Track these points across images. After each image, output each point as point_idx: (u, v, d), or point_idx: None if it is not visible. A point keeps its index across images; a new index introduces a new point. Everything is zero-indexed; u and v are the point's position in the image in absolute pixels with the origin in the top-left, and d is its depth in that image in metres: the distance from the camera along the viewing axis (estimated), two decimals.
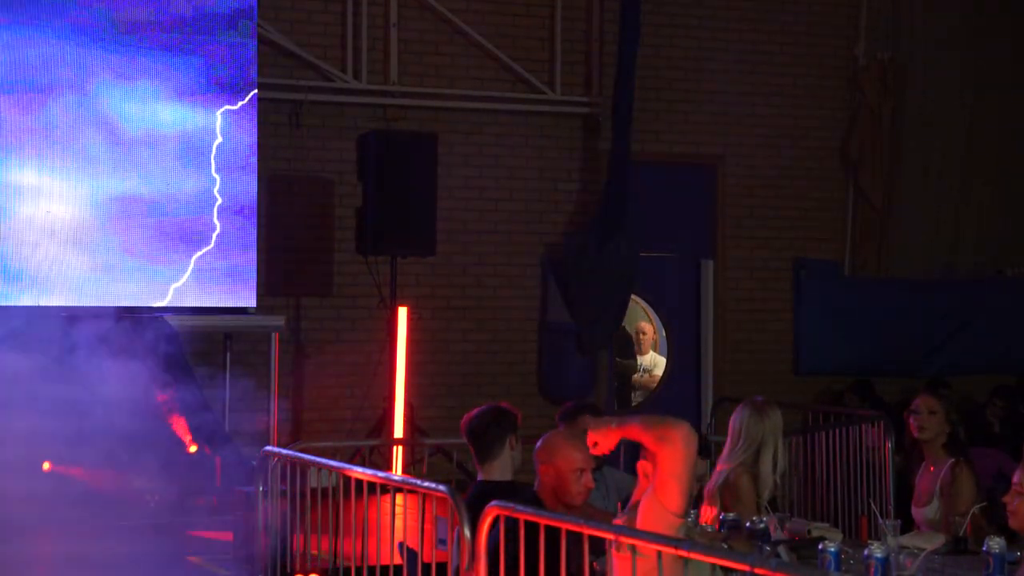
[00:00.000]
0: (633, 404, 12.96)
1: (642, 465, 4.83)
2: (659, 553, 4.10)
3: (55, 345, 8.92)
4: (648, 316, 13.04)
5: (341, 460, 6.63)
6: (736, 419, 6.65)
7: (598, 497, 6.70)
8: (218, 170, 10.09)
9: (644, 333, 13.05)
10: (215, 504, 9.13)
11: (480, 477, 6.21)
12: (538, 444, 5.80)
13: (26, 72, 9.61)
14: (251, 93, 10.22)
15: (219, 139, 10.09)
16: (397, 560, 6.00)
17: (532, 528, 4.59)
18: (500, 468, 6.17)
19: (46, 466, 9.19)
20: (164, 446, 9.31)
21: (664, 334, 12.99)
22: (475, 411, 6.30)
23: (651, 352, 13.10)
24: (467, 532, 4.85)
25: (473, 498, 5.74)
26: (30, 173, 9.63)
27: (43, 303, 9.57)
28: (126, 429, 9.05)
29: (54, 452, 9.09)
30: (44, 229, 9.65)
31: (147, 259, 9.89)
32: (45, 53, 9.63)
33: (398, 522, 6.08)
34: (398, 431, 10.57)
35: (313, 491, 6.50)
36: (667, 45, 12.50)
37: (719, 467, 6.64)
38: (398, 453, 10.10)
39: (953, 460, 6.85)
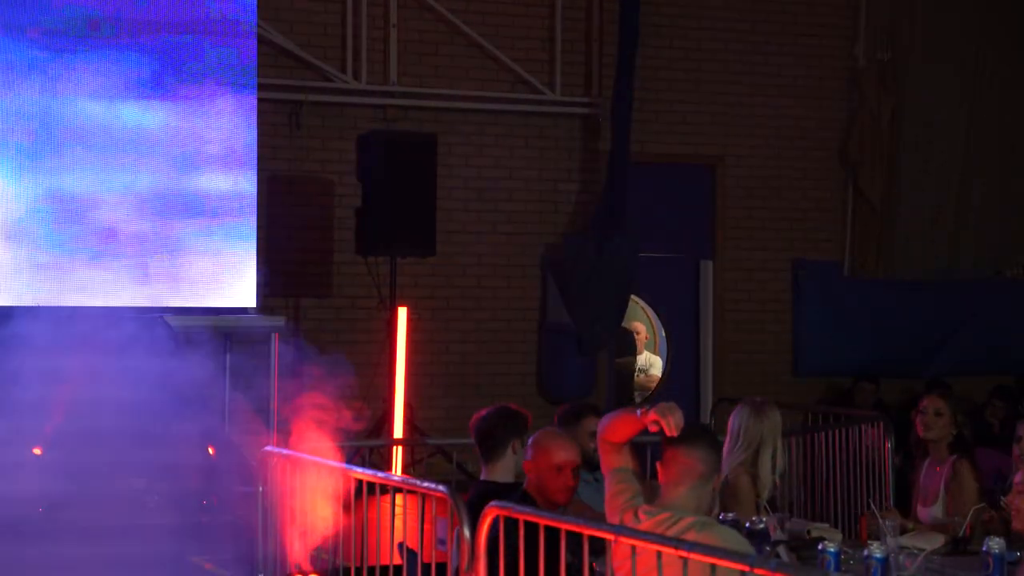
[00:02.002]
0: (634, 404, 12.98)
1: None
2: (658, 554, 4.10)
3: (60, 345, 8.91)
4: (646, 316, 13.05)
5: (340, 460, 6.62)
6: (735, 419, 6.65)
7: (598, 499, 6.69)
8: (218, 170, 10.08)
9: (638, 332, 13.06)
10: (215, 504, 9.12)
11: (483, 477, 6.21)
12: (528, 442, 5.82)
13: (23, 71, 9.61)
14: (251, 93, 10.21)
15: (219, 139, 10.08)
16: (397, 560, 6.00)
17: (532, 528, 4.59)
18: (502, 469, 6.16)
19: (37, 451, 9.18)
20: (164, 446, 9.30)
21: (664, 334, 12.99)
22: (484, 411, 6.31)
23: (646, 352, 13.10)
24: (467, 532, 4.85)
25: (474, 498, 5.75)
26: (31, 173, 9.63)
27: (44, 303, 9.57)
28: (127, 428, 9.05)
29: (56, 451, 9.09)
30: (44, 229, 9.65)
31: (147, 259, 9.88)
32: (38, 53, 9.63)
33: (397, 522, 6.08)
34: (398, 431, 10.57)
35: (312, 491, 6.49)
36: (667, 46, 12.51)
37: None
38: (398, 453, 10.10)
39: (955, 457, 6.87)
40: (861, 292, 13.12)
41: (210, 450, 9.56)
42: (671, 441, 4.99)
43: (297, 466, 6.46)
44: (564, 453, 5.68)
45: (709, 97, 12.65)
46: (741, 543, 4.84)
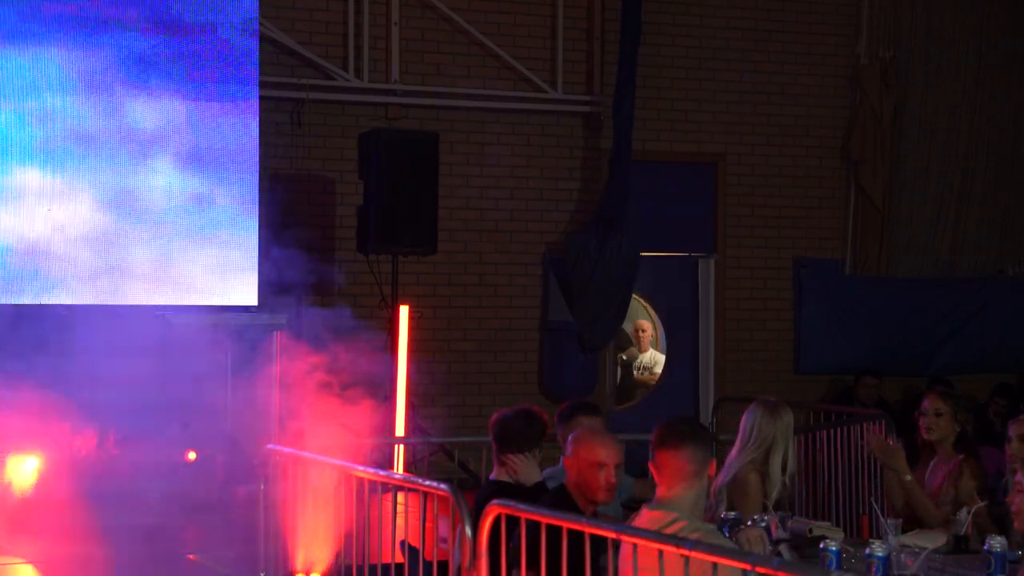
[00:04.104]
0: (634, 401, 12.98)
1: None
2: (660, 553, 4.10)
3: (60, 343, 8.92)
4: (649, 314, 13.04)
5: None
6: (748, 417, 6.62)
7: None
8: (219, 168, 10.09)
9: (643, 331, 13.05)
10: (216, 503, 9.13)
11: (492, 476, 6.22)
12: (568, 438, 5.80)
13: (19, 74, 9.61)
14: (253, 91, 10.21)
15: (221, 137, 10.09)
16: (399, 558, 6.00)
17: (537, 527, 4.58)
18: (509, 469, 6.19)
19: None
20: (165, 444, 9.31)
21: (664, 333, 12.99)
22: (505, 410, 6.33)
23: (651, 350, 13.09)
24: (468, 531, 4.85)
25: (480, 496, 5.76)
26: (34, 173, 9.63)
27: (44, 302, 9.58)
28: (128, 427, 9.06)
29: (56, 451, 9.09)
30: (47, 228, 9.65)
31: (148, 257, 9.88)
32: (41, 53, 9.63)
33: (399, 520, 6.08)
34: (399, 430, 10.57)
35: (315, 489, 6.50)
36: (668, 44, 12.50)
37: (726, 464, 6.61)
38: (399, 452, 10.10)
39: (961, 457, 6.87)
40: (863, 290, 13.12)
41: (191, 455, 9.56)
42: (657, 445, 5.00)
43: (299, 464, 6.46)
44: (606, 451, 5.63)
45: (711, 95, 12.65)
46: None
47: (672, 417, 5.23)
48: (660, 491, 4.97)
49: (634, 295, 12.32)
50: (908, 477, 6.75)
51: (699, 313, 12.91)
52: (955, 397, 7.34)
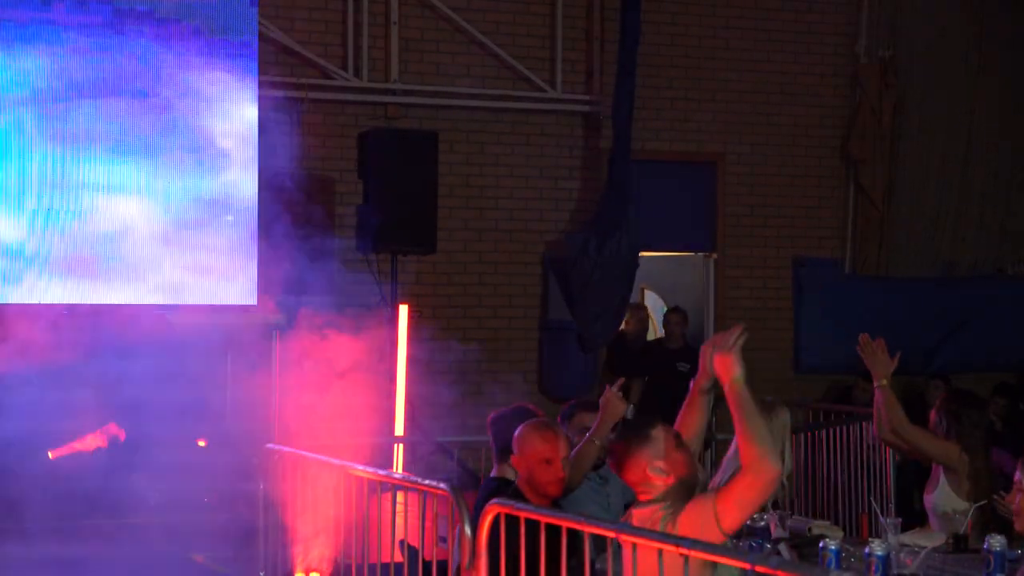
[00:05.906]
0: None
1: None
2: (659, 552, 4.10)
3: (59, 343, 8.92)
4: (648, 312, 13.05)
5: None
6: None
7: (599, 495, 6.69)
8: (219, 167, 10.09)
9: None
10: (216, 502, 9.13)
11: (493, 474, 6.21)
12: (514, 437, 5.78)
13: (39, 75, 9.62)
14: (252, 91, 10.21)
15: (220, 136, 10.08)
16: (398, 558, 6.00)
17: (535, 525, 4.58)
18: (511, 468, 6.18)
19: (51, 455, 9.20)
20: (165, 444, 9.31)
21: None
22: (503, 409, 6.32)
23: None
24: (467, 530, 4.85)
25: (483, 493, 5.76)
26: (33, 172, 9.63)
27: (44, 301, 9.57)
28: (128, 427, 9.06)
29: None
30: (47, 227, 9.65)
31: (147, 256, 9.88)
32: (41, 53, 9.63)
33: (399, 520, 6.08)
34: (399, 429, 10.57)
35: (314, 489, 6.50)
36: (667, 43, 12.50)
37: (723, 464, 6.61)
38: (399, 451, 10.10)
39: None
40: (862, 289, 13.11)
41: (201, 443, 9.56)
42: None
43: (298, 464, 6.46)
44: (549, 445, 5.65)
45: (710, 94, 12.65)
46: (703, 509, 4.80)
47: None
48: (641, 498, 4.96)
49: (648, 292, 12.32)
50: (878, 384, 6.84)
51: (699, 312, 12.90)
52: (953, 396, 7.36)
